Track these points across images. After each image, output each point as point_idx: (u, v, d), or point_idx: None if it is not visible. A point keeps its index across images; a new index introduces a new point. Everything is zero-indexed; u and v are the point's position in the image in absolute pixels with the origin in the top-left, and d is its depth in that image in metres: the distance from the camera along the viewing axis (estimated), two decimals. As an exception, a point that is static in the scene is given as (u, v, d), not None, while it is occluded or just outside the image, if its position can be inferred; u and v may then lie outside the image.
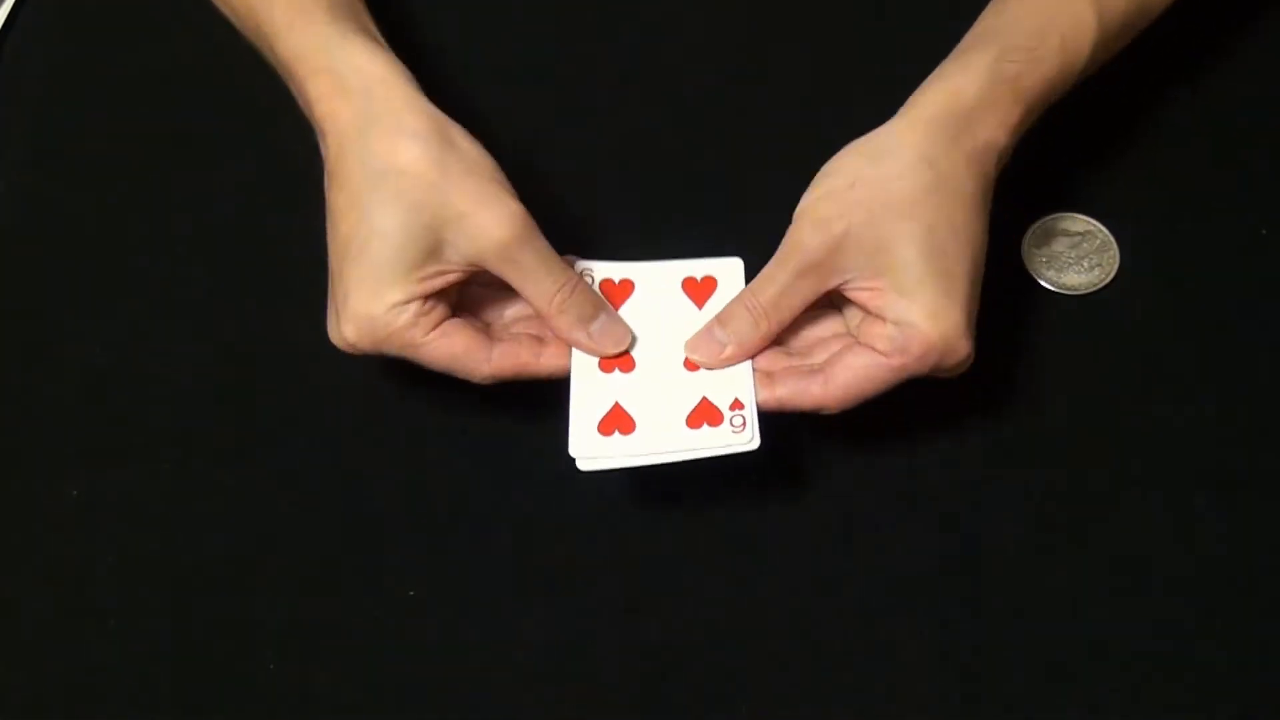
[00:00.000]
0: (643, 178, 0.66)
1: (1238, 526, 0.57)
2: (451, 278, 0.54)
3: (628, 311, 0.57)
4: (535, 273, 0.54)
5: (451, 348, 0.54)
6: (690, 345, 0.56)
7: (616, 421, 0.54)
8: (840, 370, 0.54)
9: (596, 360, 0.56)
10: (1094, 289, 0.62)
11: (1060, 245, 0.63)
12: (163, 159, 0.66)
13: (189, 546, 0.58)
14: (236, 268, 0.63)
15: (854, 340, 0.55)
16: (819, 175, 0.55)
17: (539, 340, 0.56)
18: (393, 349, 0.54)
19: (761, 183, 0.62)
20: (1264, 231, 0.63)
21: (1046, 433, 0.59)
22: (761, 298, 0.54)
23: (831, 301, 0.57)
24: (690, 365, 0.56)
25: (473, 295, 0.57)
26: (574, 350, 0.56)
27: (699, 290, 0.58)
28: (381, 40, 0.58)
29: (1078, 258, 0.62)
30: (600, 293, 0.57)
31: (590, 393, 0.55)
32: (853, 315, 0.56)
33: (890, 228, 0.53)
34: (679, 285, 0.58)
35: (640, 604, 0.56)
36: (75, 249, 0.64)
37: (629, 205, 0.65)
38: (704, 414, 0.54)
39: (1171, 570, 0.57)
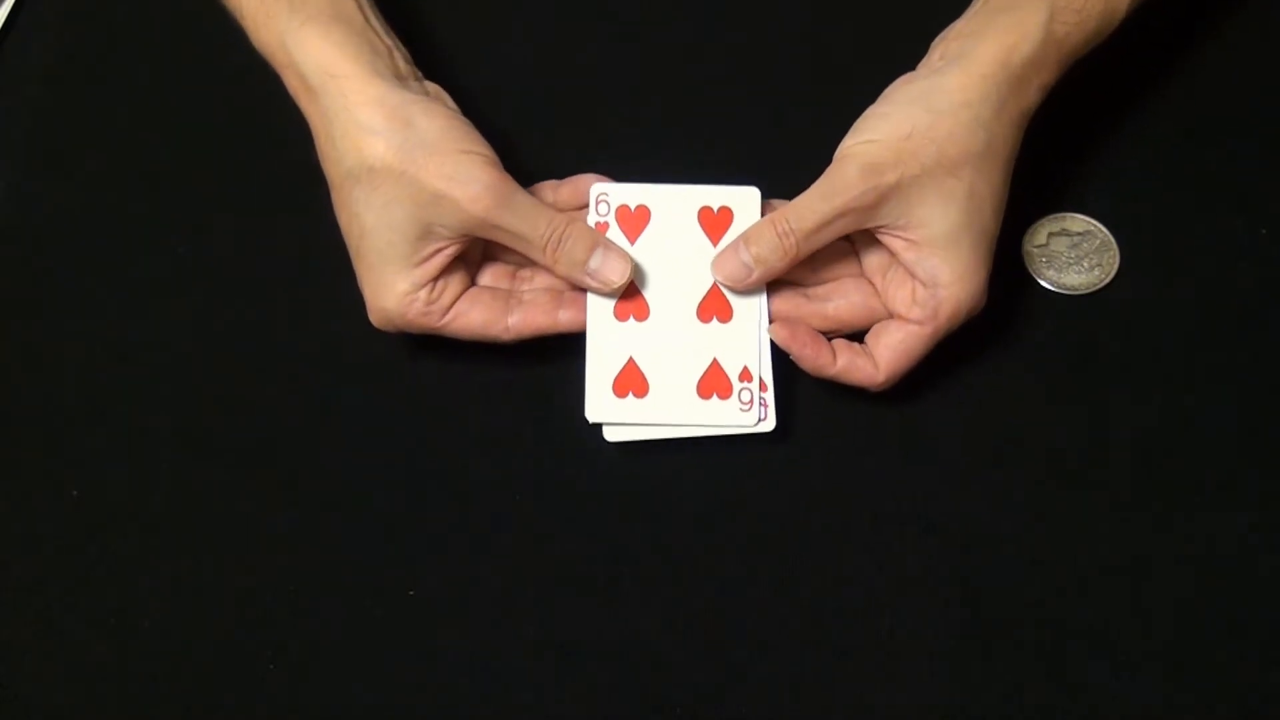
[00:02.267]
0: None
1: (1238, 527, 0.57)
2: (451, 251, 0.55)
3: (643, 246, 0.58)
4: (520, 232, 0.55)
5: (470, 324, 0.56)
6: (716, 264, 0.57)
7: (630, 382, 0.56)
8: (883, 351, 0.56)
9: (612, 309, 0.57)
10: (1094, 289, 0.62)
11: (1060, 245, 0.63)
12: (163, 159, 0.66)
13: (189, 546, 0.58)
14: (237, 267, 0.63)
15: (874, 289, 0.57)
16: (871, 115, 0.56)
17: (558, 297, 0.57)
18: (416, 331, 0.57)
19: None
20: (1264, 231, 0.63)
21: (1046, 432, 0.59)
22: (796, 225, 0.55)
23: (847, 238, 0.58)
24: (704, 314, 0.57)
25: (496, 245, 0.58)
26: (589, 301, 0.57)
27: (715, 223, 0.58)
28: (344, 10, 0.57)
29: (1078, 258, 0.62)
30: (616, 223, 0.58)
31: (606, 347, 0.57)
32: (871, 259, 0.57)
33: (938, 184, 0.54)
34: (695, 216, 0.58)
35: (641, 604, 0.56)
36: (75, 249, 0.64)
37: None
38: (714, 382, 0.56)
39: (1171, 570, 0.57)
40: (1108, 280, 0.62)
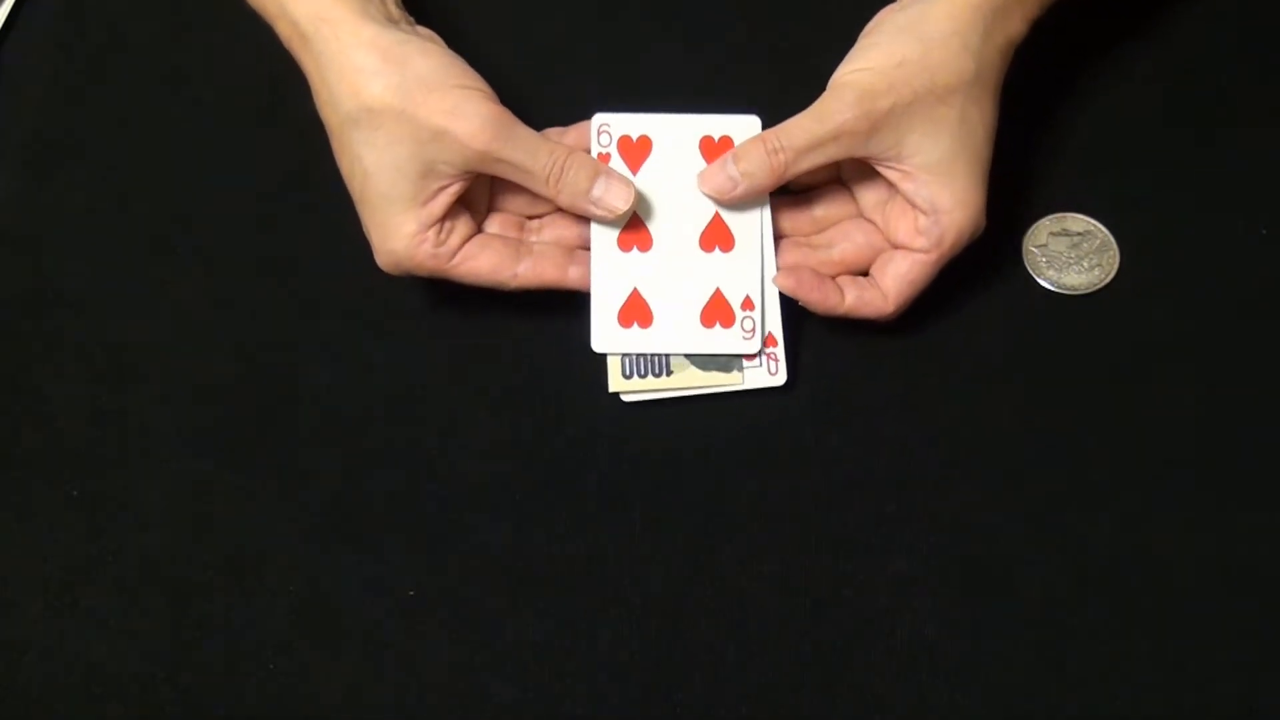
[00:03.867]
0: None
1: (1238, 526, 0.57)
2: (455, 190, 0.55)
3: (645, 176, 0.58)
4: (522, 164, 0.55)
5: (477, 269, 0.57)
6: (703, 176, 0.58)
7: (635, 313, 0.57)
8: (890, 281, 0.57)
9: (615, 240, 0.58)
10: (1094, 289, 0.62)
11: (1060, 245, 0.63)
12: (163, 159, 0.66)
13: (189, 546, 0.58)
14: (237, 267, 0.63)
15: (875, 227, 0.58)
16: (862, 45, 0.57)
17: (569, 253, 0.58)
18: (424, 274, 0.57)
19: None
20: (1264, 231, 0.63)
21: (1046, 432, 0.59)
22: (786, 143, 0.56)
23: (841, 181, 0.60)
24: (706, 244, 0.58)
25: (504, 184, 0.58)
26: (593, 233, 0.58)
27: (716, 152, 0.59)
28: None
29: (1078, 258, 0.62)
30: (618, 153, 0.58)
31: (610, 278, 0.58)
32: (868, 197, 0.58)
33: (930, 112, 0.55)
34: (696, 145, 0.59)
35: (641, 605, 0.56)
36: (75, 249, 0.64)
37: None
38: (717, 311, 0.57)
39: (1171, 570, 0.57)
40: (1108, 280, 0.62)
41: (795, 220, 0.60)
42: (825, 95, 0.56)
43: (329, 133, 0.57)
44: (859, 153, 0.56)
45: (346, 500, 0.58)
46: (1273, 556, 0.57)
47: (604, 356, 0.58)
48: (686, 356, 0.58)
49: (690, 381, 0.58)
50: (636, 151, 0.58)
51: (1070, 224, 0.63)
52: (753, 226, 0.58)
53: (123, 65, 0.68)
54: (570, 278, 0.58)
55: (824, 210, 0.60)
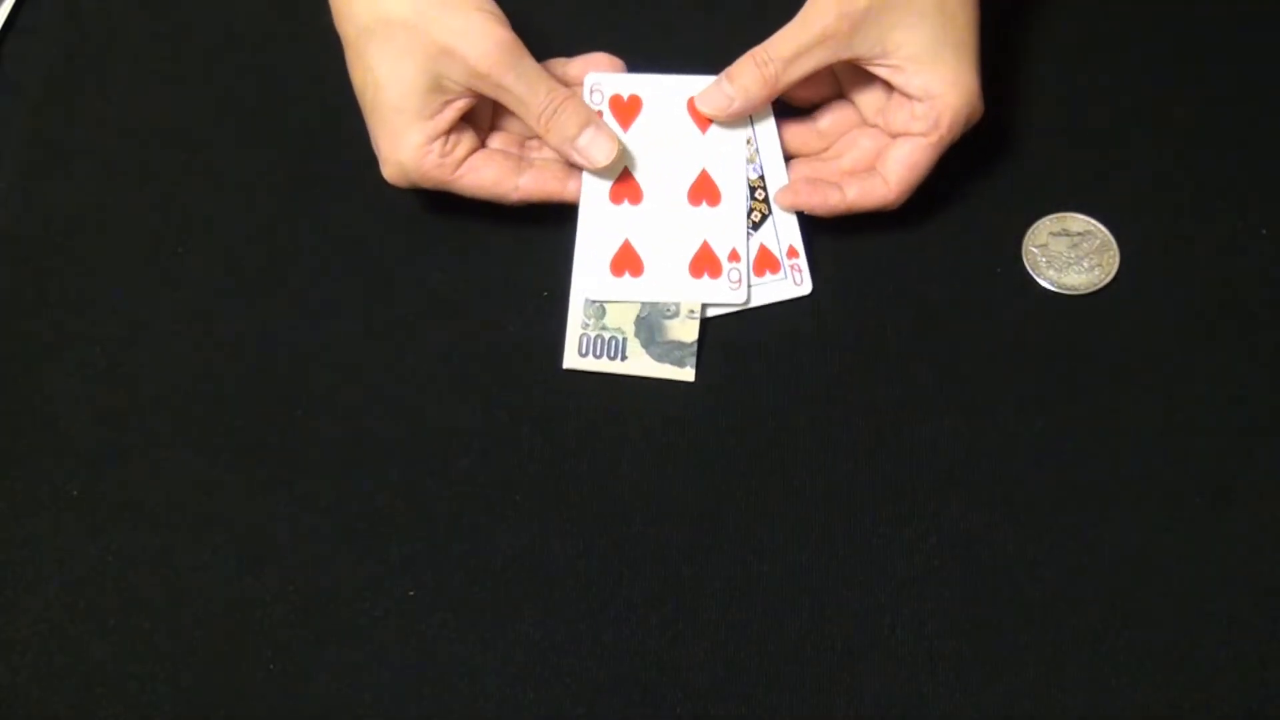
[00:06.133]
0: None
1: (1238, 527, 0.57)
2: (461, 105, 0.58)
3: (635, 133, 0.60)
4: (521, 96, 0.57)
5: (480, 180, 0.59)
6: (700, 97, 0.60)
7: (626, 262, 0.60)
8: (892, 166, 0.59)
9: (607, 193, 0.60)
10: (1094, 289, 0.62)
11: (1060, 245, 0.63)
12: (163, 159, 0.66)
13: (189, 546, 0.58)
14: (237, 267, 0.63)
15: (880, 130, 0.60)
16: None
17: (567, 169, 0.60)
18: (428, 185, 0.59)
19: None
20: (1264, 231, 0.63)
21: (1047, 432, 0.59)
22: (775, 54, 0.58)
23: (841, 93, 0.62)
24: (693, 198, 0.60)
25: (504, 113, 0.60)
26: (585, 184, 0.60)
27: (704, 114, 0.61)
28: None
29: (1078, 258, 0.62)
30: (610, 111, 0.60)
31: (600, 228, 0.60)
32: (868, 103, 0.60)
33: (908, 5, 0.57)
34: (684, 105, 0.61)
35: (641, 607, 0.56)
36: (75, 249, 0.64)
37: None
38: (704, 262, 0.60)
39: (1171, 570, 0.57)
40: (1108, 280, 0.62)
41: (803, 137, 0.62)
42: (806, 5, 0.58)
43: (345, 45, 0.59)
44: (846, 54, 0.57)
45: (346, 500, 0.58)
46: (1273, 556, 0.57)
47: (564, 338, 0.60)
48: (643, 347, 0.60)
49: (642, 370, 0.60)
50: (627, 110, 0.61)
51: (1070, 224, 0.63)
52: (739, 182, 0.61)
53: (123, 65, 0.68)
54: (570, 190, 0.60)
55: (829, 123, 0.62)
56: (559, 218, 0.62)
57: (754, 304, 0.61)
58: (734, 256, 0.60)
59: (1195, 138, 0.65)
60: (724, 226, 0.60)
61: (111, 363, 0.61)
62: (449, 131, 0.58)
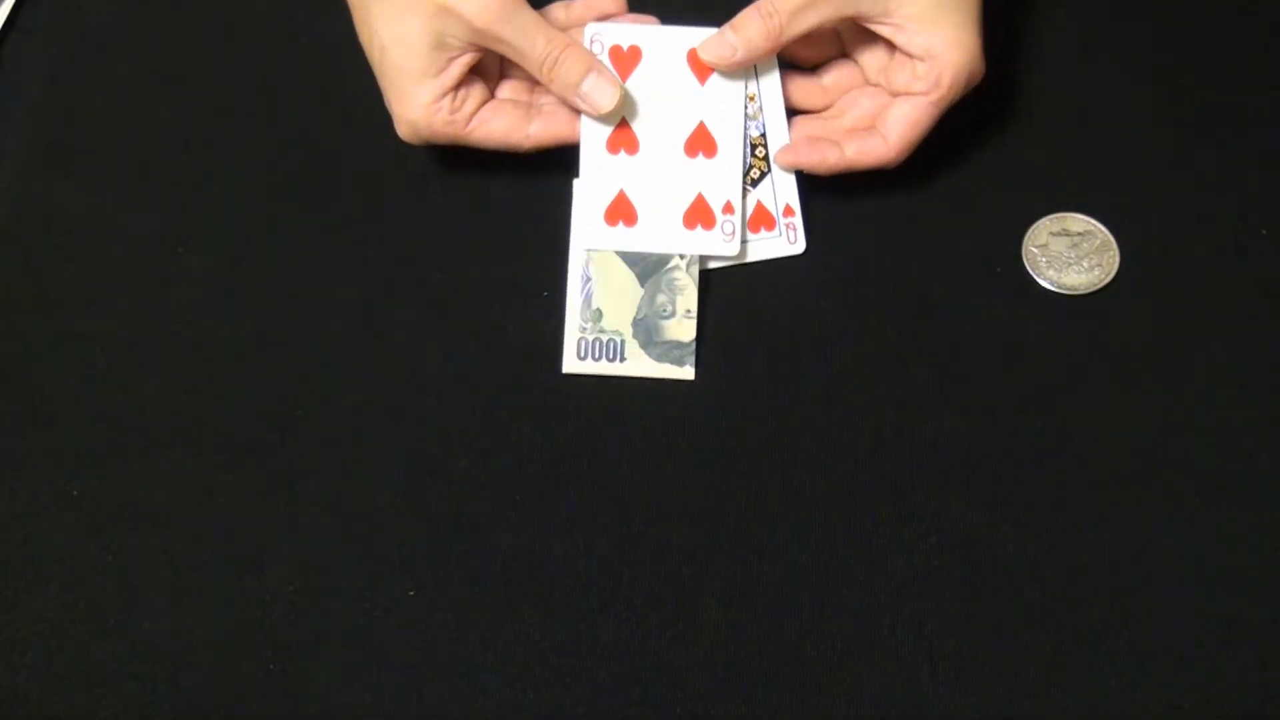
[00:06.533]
0: None
1: (1238, 526, 0.57)
2: (466, 61, 0.58)
3: (634, 84, 0.61)
4: (521, 47, 0.58)
5: (492, 132, 0.60)
6: (703, 46, 0.60)
7: (620, 212, 0.60)
8: (891, 124, 0.59)
9: (604, 142, 0.60)
10: (1094, 289, 0.62)
11: (1060, 245, 0.63)
12: (163, 158, 0.66)
13: (189, 546, 0.58)
14: (237, 267, 0.63)
15: (882, 89, 0.60)
16: None
17: (574, 111, 0.61)
18: (441, 141, 0.60)
19: None
20: (1264, 231, 0.63)
21: (1046, 432, 0.59)
22: (779, 6, 0.58)
23: (844, 53, 0.63)
24: (690, 150, 0.61)
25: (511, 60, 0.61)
26: (583, 133, 0.60)
27: (702, 64, 0.61)
28: None
29: (1078, 258, 0.62)
30: (609, 61, 0.61)
31: (597, 178, 0.60)
32: (871, 63, 0.61)
33: None
34: (684, 57, 0.61)
35: (641, 608, 0.56)
36: (75, 249, 0.64)
37: None
38: (698, 214, 0.60)
39: (1171, 570, 0.57)
40: (1108, 280, 0.62)
41: (807, 94, 0.63)
42: None
43: (351, 9, 0.59)
44: (849, 10, 0.58)
45: (346, 500, 0.58)
46: (1273, 556, 0.57)
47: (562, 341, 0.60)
48: (641, 348, 0.60)
49: (641, 371, 0.60)
50: (627, 60, 0.61)
51: (1070, 224, 0.63)
52: (736, 135, 0.61)
53: (123, 65, 0.68)
54: (578, 131, 0.60)
55: (832, 80, 0.63)
56: (559, 217, 0.62)
57: (749, 259, 0.61)
58: (728, 209, 0.60)
59: (1195, 138, 0.65)
60: (719, 179, 0.61)
61: (111, 363, 0.61)
62: (457, 87, 0.59)
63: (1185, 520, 0.57)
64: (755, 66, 0.61)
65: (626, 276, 0.61)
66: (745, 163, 0.61)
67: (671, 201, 0.61)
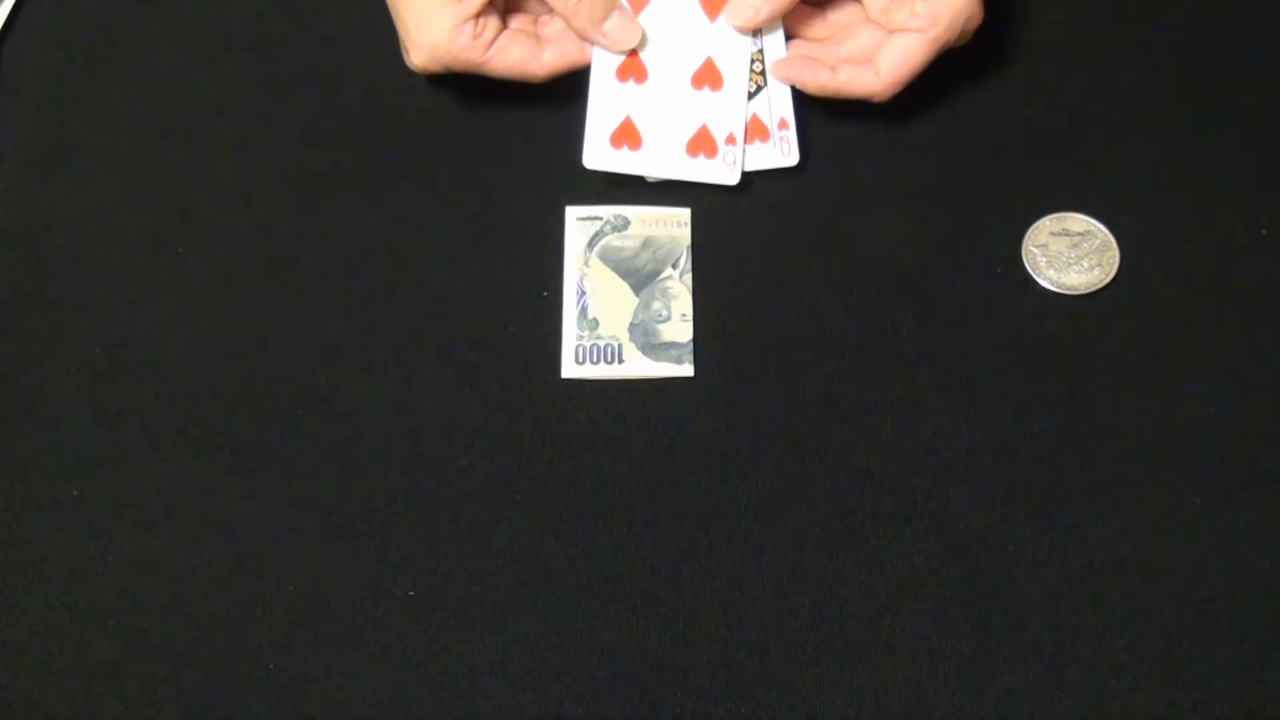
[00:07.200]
0: None
1: (1238, 526, 0.57)
2: None
3: (646, 17, 0.63)
4: None
5: (508, 60, 0.61)
6: (728, 11, 0.62)
7: (626, 136, 0.62)
8: (885, 56, 0.61)
9: (614, 70, 0.62)
10: (1094, 289, 0.62)
11: (1060, 245, 0.63)
12: (163, 158, 0.66)
13: (189, 546, 0.58)
14: (237, 267, 0.63)
15: (880, 26, 0.61)
16: None
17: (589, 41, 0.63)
18: (459, 68, 0.61)
19: None
20: (1264, 231, 0.63)
21: (1046, 432, 0.59)
22: None
23: None
24: (696, 82, 0.63)
25: None
26: (594, 61, 0.62)
27: (714, 1, 0.63)
28: None
29: (1078, 258, 0.62)
30: None
31: (606, 104, 0.62)
32: (873, 2, 0.61)
33: None
34: None
35: (640, 606, 0.56)
36: (76, 249, 0.64)
37: None
38: (701, 143, 0.62)
39: (1171, 570, 0.57)
40: (1108, 280, 0.62)
41: (809, 25, 0.64)
42: None
43: None
44: None
45: (346, 500, 0.58)
46: (1273, 556, 0.57)
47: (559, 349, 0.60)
48: (639, 350, 0.60)
49: (640, 371, 0.60)
50: None
51: (1070, 224, 0.63)
52: (741, 70, 0.63)
53: (123, 65, 0.68)
54: (588, 55, 0.62)
55: (835, 14, 0.64)
56: (558, 216, 0.62)
57: (745, 168, 0.63)
58: (730, 140, 0.62)
59: (1195, 138, 0.65)
60: (724, 111, 0.62)
61: (111, 363, 0.61)
62: (478, 15, 0.60)
63: (1185, 520, 0.57)
64: None
65: (621, 287, 0.61)
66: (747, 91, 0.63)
67: (676, 130, 0.62)
